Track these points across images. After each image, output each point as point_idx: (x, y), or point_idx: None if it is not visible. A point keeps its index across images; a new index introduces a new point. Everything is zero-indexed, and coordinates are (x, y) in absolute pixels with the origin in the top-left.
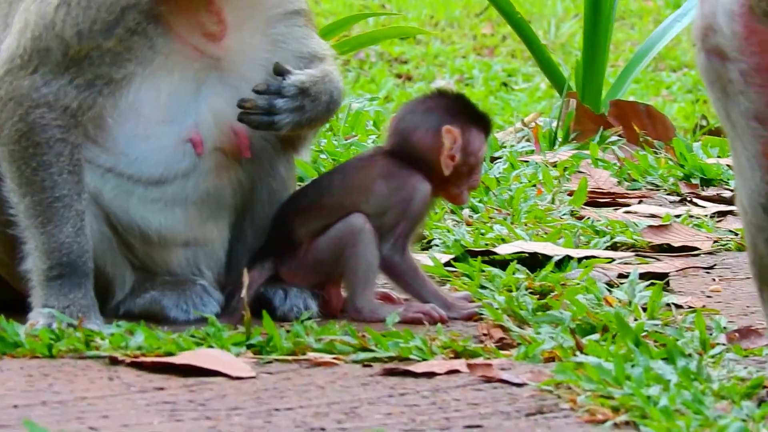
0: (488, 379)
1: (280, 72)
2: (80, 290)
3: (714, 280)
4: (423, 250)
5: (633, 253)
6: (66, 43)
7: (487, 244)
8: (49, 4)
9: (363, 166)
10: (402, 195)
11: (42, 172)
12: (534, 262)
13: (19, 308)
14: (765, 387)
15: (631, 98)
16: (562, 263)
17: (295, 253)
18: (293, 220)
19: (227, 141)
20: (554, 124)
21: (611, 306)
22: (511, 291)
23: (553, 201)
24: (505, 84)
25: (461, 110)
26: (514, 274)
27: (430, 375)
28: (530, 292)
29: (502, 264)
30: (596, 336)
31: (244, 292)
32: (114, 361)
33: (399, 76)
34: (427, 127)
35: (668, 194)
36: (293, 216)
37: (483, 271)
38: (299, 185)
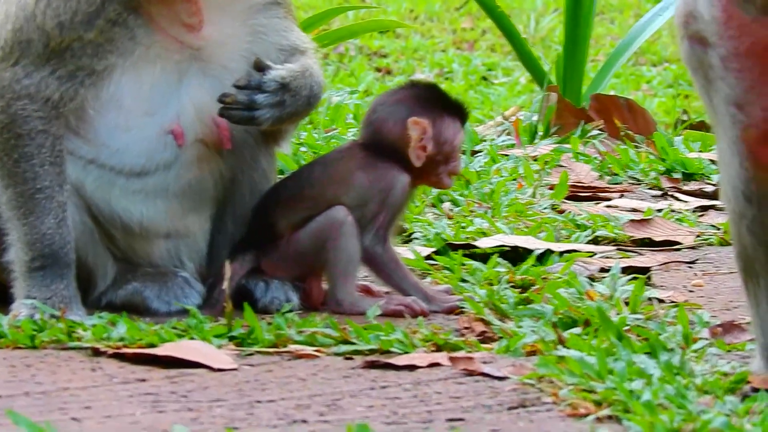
0: (470, 373)
1: (260, 67)
2: (62, 281)
3: (696, 274)
4: (404, 243)
5: (614, 248)
6: (47, 35)
7: (467, 238)
8: None
9: (342, 158)
10: (381, 186)
11: (24, 164)
12: (515, 255)
13: (1, 299)
14: (748, 382)
15: (612, 92)
16: (543, 257)
17: (276, 245)
18: (274, 211)
19: (208, 132)
20: (535, 118)
21: (593, 300)
22: (492, 284)
23: (533, 195)
24: (484, 78)
25: (433, 100)
26: (495, 267)
27: (412, 368)
28: (511, 286)
29: (483, 257)
30: (578, 330)
31: (225, 284)
32: (96, 352)
33: (379, 69)
34: (395, 119)
35: (649, 188)
36: (274, 208)
37: (464, 264)
38: (280, 177)
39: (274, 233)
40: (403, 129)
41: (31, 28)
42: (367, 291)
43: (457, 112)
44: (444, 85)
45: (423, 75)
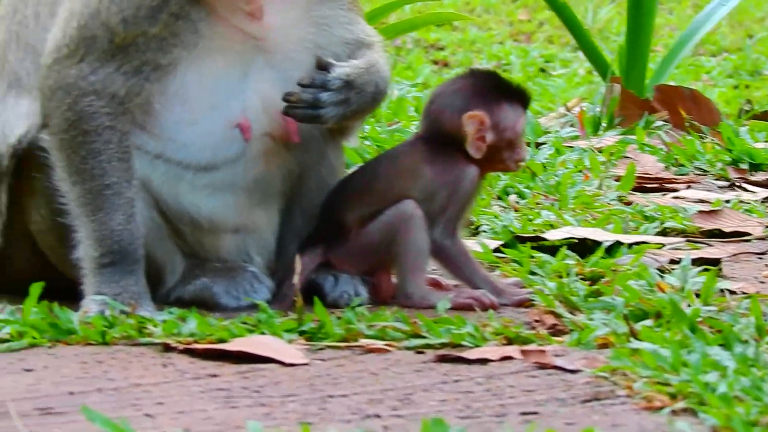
0: (542, 366)
1: (324, 65)
2: (132, 277)
3: (767, 265)
4: (471, 236)
5: (683, 239)
6: (112, 31)
7: (535, 230)
8: None
9: (408, 151)
10: (449, 179)
11: (91, 160)
12: (583, 248)
13: (71, 295)
14: None
15: (672, 83)
16: (612, 249)
17: (345, 240)
18: (342, 206)
19: (276, 126)
20: (598, 109)
21: (664, 292)
22: (561, 277)
23: (600, 186)
24: (543, 70)
25: (490, 89)
26: (564, 260)
27: (484, 361)
28: (581, 278)
29: (551, 250)
30: (649, 322)
31: (295, 279)
32: (167, 348)
33: (436, 62)
34: (452, 112)
35: (716, 179)
36: (342, 202)
37: (532, 257)
38: (346, 172)
39: (343, 228)
40: (459, 123)
41: (95, 24)
42: (437, 284)
43: (518, 97)
44: None
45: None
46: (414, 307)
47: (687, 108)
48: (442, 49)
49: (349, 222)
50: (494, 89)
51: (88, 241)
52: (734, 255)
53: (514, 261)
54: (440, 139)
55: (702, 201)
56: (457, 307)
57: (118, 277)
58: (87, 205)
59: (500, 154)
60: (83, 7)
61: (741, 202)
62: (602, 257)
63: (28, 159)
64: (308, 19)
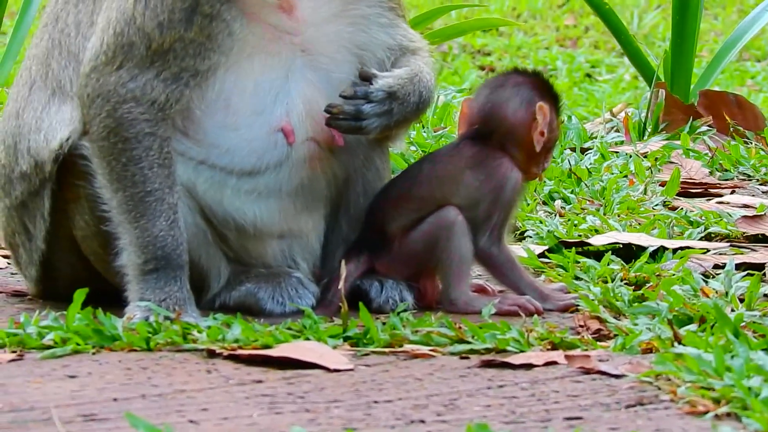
0: (587, 371)
1: (367, 77)
2: (176, 283)
3: None
4: (517, 241)
5: (728, 244)
6: (148, 37)
7: (580, 235)
8: (127, 0)
9: (450, 156)
10: (492, 185)
11: (132, 167)
12: (628, 253)
13: (115, 301)
14: None
15: (717, 88)
16: (657, 254)
17: (389, 247)
18: (385, 213)
19: (320, 130)
20: (643, 115)
21: (708, 297)
22: (606, 282)
23: (645, 191)
24: (588, 75)
25: (544, 87)
26: (608, 264)
27: (528, 367)
28: (626, 283)
29: (597, 255)
30: (693, 327)
31: (341, 284)
32: (212, 354)
33: (482, 68)
34: (520, 101)
35: (761, 184)
36: (385, 209)
37: (577, 262)
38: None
39: (386, 235)
40: (527, 113)
41: (132, 30)
42: (482, 290)
43: (558, 100)
44: None
45: None
46: (459, 313)
47: (731, 113)
48: (488, 54)
49: (393, 230)
50: (547, 89)
51: (131, 247)
52: None
53: (559, 266)
54: (493, 136)
55: (746, 206)
56: (501, 314)
57: (163, 284)
58: (129, 212)
59: (541, 156)
60: (119, 14)
61: None
62: (647, 262)
63: (70, 165)
64: (345, 17)
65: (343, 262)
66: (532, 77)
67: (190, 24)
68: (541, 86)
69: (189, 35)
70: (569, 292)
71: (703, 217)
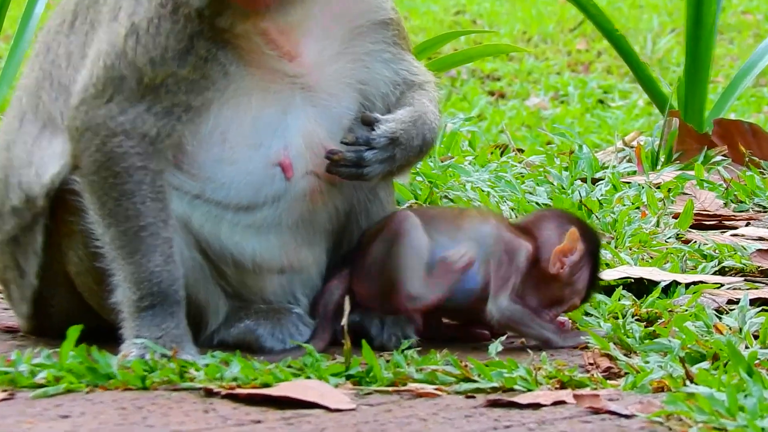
0: (596, 411)
1: (369, 122)
2: (173, 320)
3: None
4: None
5: (742, 278)
6: (140, 71)
7: None
8: (119, 34)
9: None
10: (507, 248)
11: (125, 202)
12: (640, 287)
13: (110, 339)
14: None
15: (732, 115)
16: (669, 289)
17: (361, 263)
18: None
19: (320, 164)
20: (656, 144)
21: (721, 333)
22: (617, 318)
23: (657, 224)
24: (601, 101)
25: (592, 240)
26: (620, 300)
27: (536, 406)
28: (637, 319)
29: (608, 290)
30: (706, 365)
31: (344, 321)
32: (209, 393)
33: (492, 93)
34: (559, 222)
35: None
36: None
37: None
38: (397, 208)
39: (359, 249)
40: (560, 232)
41: (122, 64)
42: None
43: (597, 270)
44: (559, 109)
45: (538, 99)
46: (414, 308)
47: (746, 142)
48: (498, 79)
49: (363, 244)
50: (597, 245)
51: (126, 284)
52: None
53: None
54: (525, 230)
55: (761, 239)
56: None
57: (159, 320)
58: (123, 248)
59: (557, 291)
60: (110, 47)
61: None
62: (659, 297)
63: (63, 200)
64: (347, 54)
65: (347, 298)
66: (589, 228)
67: (184, 63)
68: (590, 238)
69: (182, 72)
70: (578, 329)
71: (717, 251)
